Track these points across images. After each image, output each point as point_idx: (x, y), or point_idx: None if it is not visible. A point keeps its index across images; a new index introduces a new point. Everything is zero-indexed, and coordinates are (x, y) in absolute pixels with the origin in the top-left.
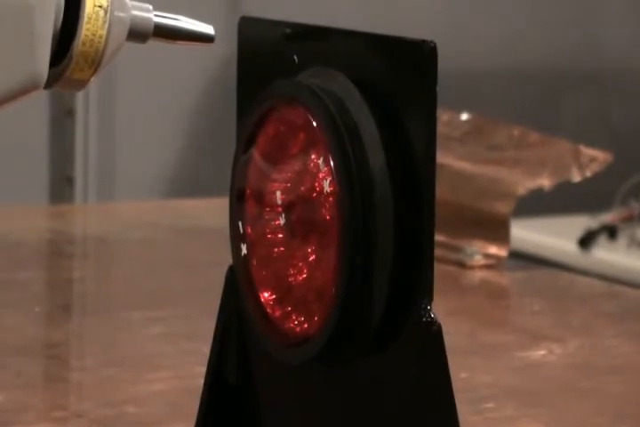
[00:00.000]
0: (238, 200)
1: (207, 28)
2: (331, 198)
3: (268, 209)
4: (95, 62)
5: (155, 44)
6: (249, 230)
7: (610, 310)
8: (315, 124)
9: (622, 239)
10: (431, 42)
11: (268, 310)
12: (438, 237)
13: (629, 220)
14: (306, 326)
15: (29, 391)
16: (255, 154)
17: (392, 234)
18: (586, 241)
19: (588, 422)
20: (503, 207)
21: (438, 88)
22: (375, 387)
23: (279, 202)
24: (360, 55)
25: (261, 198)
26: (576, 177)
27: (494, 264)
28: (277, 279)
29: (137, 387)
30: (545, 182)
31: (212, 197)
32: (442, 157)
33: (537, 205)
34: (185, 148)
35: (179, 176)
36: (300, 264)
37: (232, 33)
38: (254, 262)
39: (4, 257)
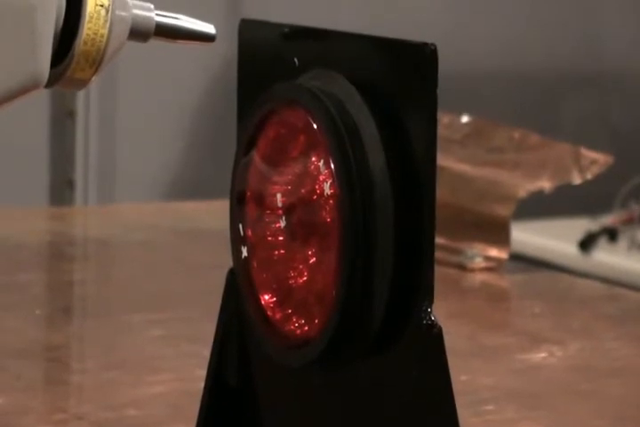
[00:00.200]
0: (239, 203)
1: (208, 28)
2: (331, 201)
3: (268, 211)
4: (96, 62)
5: (155, 46)
6: (249, 233)
7: (610, 313)
8: (315, 126)
9: (623, 242)
10: (432, 44)
11: (269, 312)
12: (439, 240)
13: (630, 222)
14: (306, 328)
15: (30, 394)
16: (256, 156)
17: (392, 236)
18: (586, 243)
19: (588, 424)
20: (503, 210)
21: (438, 90)
22: (375, 389)
23: (280, 204)
24: (361, 57)
25: (262, 201)
26: (576, 179)
27: (495, 267)
28: (278, 282)
29: (137, 389)
30: (545, 185)
31: (212, 199)
32: (442, 160)
33: (537, 207)
34: (185, 150)
35: (179, 178)
36: (301, 267)
37: (233, 33)
38: (255, 265)
39: (5, 259)
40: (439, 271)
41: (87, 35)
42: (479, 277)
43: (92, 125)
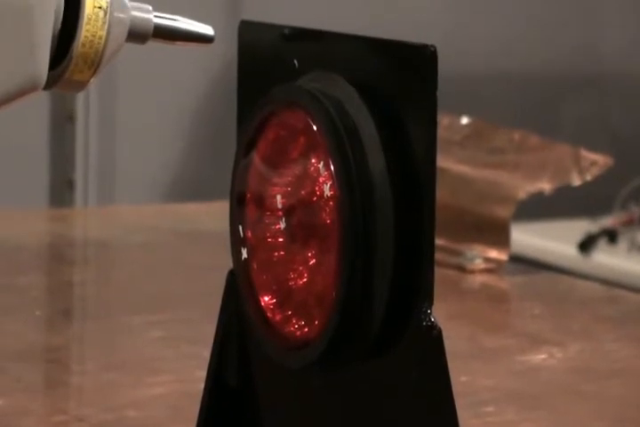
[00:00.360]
0: (239, 204)
1: (206, 29)
2: (331, 202)
3: (268, 213)
4: (95, 63)
5: (155, 47)
6: (249, 234)
7: (610, 315)
8: (315, 128)
9: (622, 243)
10: (432, 46)
11: (269, 314)
12: (438, 242)
13: (630, 224)
14: (306, 329)
15: (30, 396)
16: (255, 158)
17: (392, 238)
18: (586, 245)
19: (588, 425)
20: (503, 211)
21: (438, 92)
22: (375, 391)
23: (279, 206)
24: (360, 59)
25: (262, 202)
26: (576, 181)
27: (494, 268)
28: (278, 283)
29: (137, 391)
30: (545, 186)
31: (212, 200)
32: (442, 161)
33: (537, 209)
34: (185, 151)
35: (179, 180)
36: (301, 268)
37: (232, 35)
38: (254, 266)
39: (5, 261)
40: (439, 273)
41: (85, 37)
42: (479, 279)
43: (92, 126)
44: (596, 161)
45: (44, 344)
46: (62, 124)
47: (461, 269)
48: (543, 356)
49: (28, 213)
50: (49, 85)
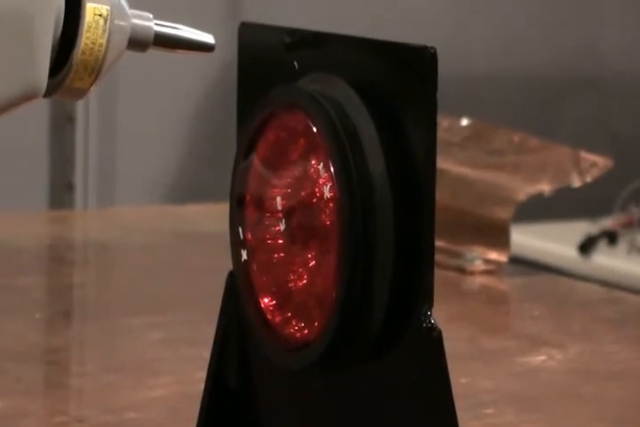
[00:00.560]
0: (238, 206)
1: (207, 37)
2: (331, 204)
3: (268, 215)
4: (95, 71)
5: (155, 50)
6: (249, 236)
7: (610, 316)
8: (315, 129)
9: (622, 245)
10: (432, 48)
11: (269, 315)
12: (438, 243)
13: (629, 225)
14: (306, 331)
15: (30, 397)
16: (255, 160)
17: (392, 239)
18: (586, 247)
19: None
20: (503, 213)
21: (438, 93)
22: (375, 392)
23: (279, 208)
24: (360, 61)
25: (262, 204)
26: (576, 182)
27: (494, 270)
28: (277, 285)
29: (137, 393)
30: (545, 188)
31: (212, 202)
32: (442, 163)
33: (537, 210)
34: (185, 153)
35: (179, 182)
36: (301, 270)
37: (232, 38)
38: (254, 268)
39: (5, 263)
40: (439, 274)
41: (85, 44)
42: (479, 281)
43: (92, 128)
44: (596, 162)
45: (45, 345)
46: (62, 126)
47: (461, 270)
48: (543, 357)
49: (27, 215)
50: (49, 93)
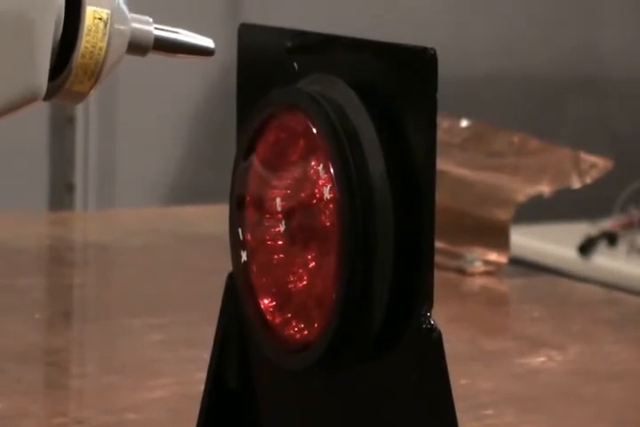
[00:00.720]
0: (238, 207)
1: (207, 42)
2: (331, 205)
3: (267, 216)
4: (95, 74)
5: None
6: (249, 237)
7: (610, 317)
8: (315, 130)
9: (622, 246)
10: (431, 49)
11: (268, 316)
12: (438, 244)
13: (629, 226)
14: (306, 332)
15: (29, 398)
16: (255, 161)
17: (392, 240)
18: (586, 248)
19: None
20: (503, 214)
21: (438, 94)
22: (375, 393)
23: (279, 209)
24: (360, 62)
25: (261, 205)
26: (576, 184)
27: (494, 271)
28: (277, 286)
29: (137, 394)
30: (545, 189)
31: (212, 203)
32: (442, 164)
33: (537, 211)
34: (185, 154)
35: (179, 183)
36: (300, 271)
37: (232, 39)
38: (254, 269)
39: (5, 263)
40: (439, 275)
41: (85, 47)
42: (479, 282)
43: (92, 129)
44: (596, 164)
45: (44, 346)
46: (62, 127)
47: (461, 271)
48: (543, 358)
49: (27, 216)
50: (49, 96)
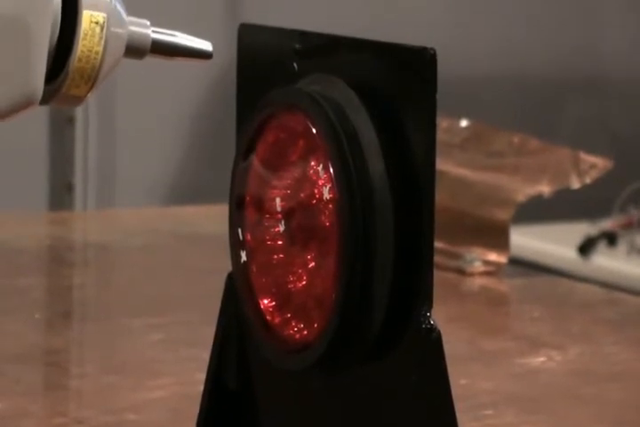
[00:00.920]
0: (238, 207)
1: (205, 45)
2: (330, 205)
3: (267, 216)
4: (91, 78)
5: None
6: (248, 237)
7: (609, 317)
8: (314, 131)
9: (622, 246)
10: (431, 49)
11: (268, 316)
12: (438, 244)
13: (629, 227)
14: (305, 332)
15: (29, 398)
16: (255, 161)
17: (392, 240)
18: (585, 248)
19: None
20: (503, 214)
21: (438, 95)
22: (375, 394)
23: (279, 209)
24: (360, 62)
25: (261, 205)
26: (576, 184)
27: (494, 271)
28: (277, 286)
29: (137, 394)
30: (545, 189)
31: (211, 203)
32: (442, 164)
33: (537, 211)
34: (185, 154)
35: (179, 183)
36: (300, 271)
37: (231, 39)
38: (254, 269)
39: (4, 263)
40: (438, 276)
41: (82, 51)
42: (478, 282)
43: (92, 130)
44: (596, 164)
45: (44, 346)
46: (62, 127)
47: (461, 271)
48: (542, 359)
49: (27, 216)
50: (45, 100)
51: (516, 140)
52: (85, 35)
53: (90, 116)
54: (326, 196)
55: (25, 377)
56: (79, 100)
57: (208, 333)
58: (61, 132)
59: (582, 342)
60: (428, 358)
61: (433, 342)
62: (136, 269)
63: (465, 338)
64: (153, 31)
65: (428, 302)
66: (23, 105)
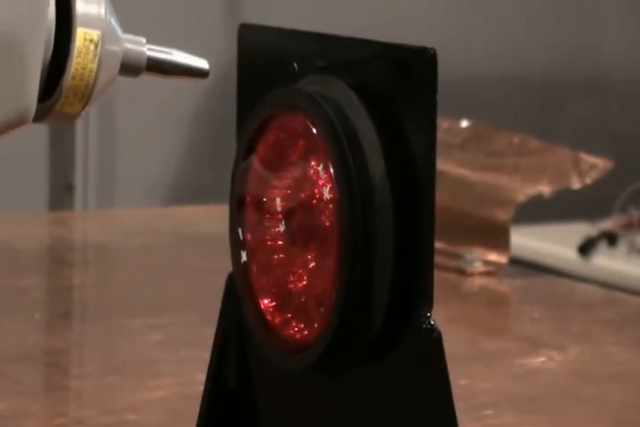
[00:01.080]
0: (238, 207)
1: (201, 63)
2: (330, 205)
3: (267, 216)
4: (85, 96)
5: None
6: (249, 237)
7: (610, 318)
8: (314, 131)
9: (622, 246)
10: (431, 49)
11: (268, 316)
12: (438, 245)
13: (629, 227)
14: (306, 332)
15: (29, 399)
16: (255, 161)
17: (392, 241)
18: (585, 248)
19: None
20: (503, 214)
21: (438, 95)
22: (375, 394)
23: (279, 209)
24: (360, 62)
25: (261, 205)
26: (576, 184)
27: (494, 271)
28: (277, 286)
29: (137, 394)
30: (545, 189)
31: (212, 203)
32: (442, 164)
33: (537, 212)
34: (185, 154)
35: (179, 183)
36: (300, 271)
37: (232, 39)
38: (254, 269)
39: (4, 264)
40: (438, 276)
41: (76, 69)
42: (478, 282)
43: (92, 130)
44: (596, 164)
45: (44, 347)
46: (62, 127)
47: (461, 272)
48: (543, 359)
49: (27, 216)
50: (39, 118)
51: (516, 140)
52: (79, 52)
53: (90, 116)
54: (326, 196)
55: (25, 377)
56: (73, 117)
57: (208, 333)
58: (61, 132)
59: (582, 342)
60: (429, 358)
61: (433, 342)
62: (136, 270)
63: (465, 338)
64: (149, 49)
65: (428, 303)
66: (16, 123)
